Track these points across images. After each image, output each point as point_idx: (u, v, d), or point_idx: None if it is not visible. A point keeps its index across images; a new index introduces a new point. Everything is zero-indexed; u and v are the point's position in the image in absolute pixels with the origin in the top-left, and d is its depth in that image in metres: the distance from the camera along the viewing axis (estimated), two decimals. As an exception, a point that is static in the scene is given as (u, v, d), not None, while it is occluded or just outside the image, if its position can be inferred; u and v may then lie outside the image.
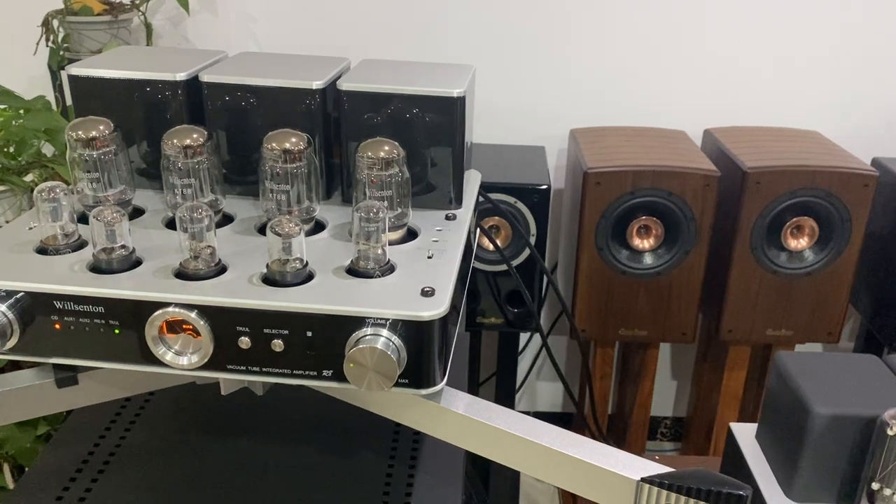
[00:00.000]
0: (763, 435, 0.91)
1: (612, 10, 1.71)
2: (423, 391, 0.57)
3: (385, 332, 0.55)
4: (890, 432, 0.74)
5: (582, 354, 1.83)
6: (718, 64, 1.75)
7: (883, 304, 1.66)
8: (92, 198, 0.68)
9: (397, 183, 0.64)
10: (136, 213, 0.72)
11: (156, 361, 0.58)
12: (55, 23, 1.52)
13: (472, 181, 0.82)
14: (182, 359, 0.58)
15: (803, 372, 0.84)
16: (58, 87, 1.53)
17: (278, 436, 0.78)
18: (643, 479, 0.54)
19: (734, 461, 0.93)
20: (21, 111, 1.25)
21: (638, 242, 1.57)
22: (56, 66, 1.51)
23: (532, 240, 1.57)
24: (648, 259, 1.58)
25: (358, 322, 0.56)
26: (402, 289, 0.58)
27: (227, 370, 0.59)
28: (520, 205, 1.55)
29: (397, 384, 0.56)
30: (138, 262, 0.62)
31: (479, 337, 1.81)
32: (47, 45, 1.53)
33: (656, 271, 1.58)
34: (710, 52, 1.74)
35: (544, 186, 1.54)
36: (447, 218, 0.70)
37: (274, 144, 0.65)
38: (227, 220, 0.71)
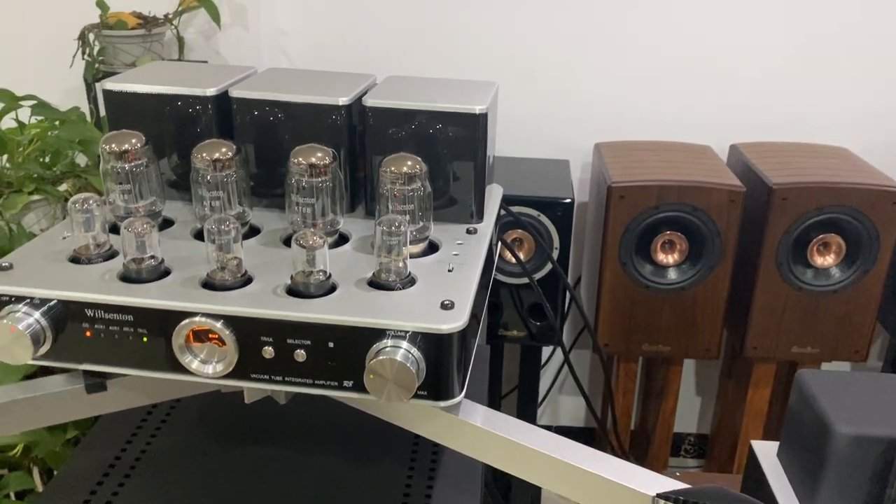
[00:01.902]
0: (785, 453, 0.90)
1: (639, 24, 1.72)
2: (442, 403, 0.58)
3: (405, 343, 0.56)
4: (913, 454, 0.73)
5: (605, 370, 1.82)
6: (746, 79, 1.75)
7: (912, 323, 1.63)
8: (123, 209, 0.70)
9: (419, 197, 0.65)
10: (166, 224, 0.74)
11: (182, 369, 0.60)
12: (91, 36, 1.56)
13: (494, 195, 0.83)
14: (207, 367, 0.60)
15: (826, 390, 0.84)
16: (92, 99, 1.57)
17: (299, 445, 0.79)
18: (658, 496, 0.54)
19: (755, 479, 0.92)
20: (56, 122, 1.28)
21: (662, 257, 1.57)
22: (91, 79, 1.55)
23: (555, 253, 1.58)
24: (673, 274, 1.58)
25: (378, 334, 0.57)
26: (423, 301, 0.59)
27: (250, 379, 0.60)
28: (543, 218, 1.55)
29: (416, 396, 0.57)
30: (167, 273, 0.64)
31: (502, 350, 1.81)
32: (83, 59, 1.57)
33: (680, 287, 1.57)
34: (736, 67, 1.74)
35: (568, 200, 1.54)
36: (468, 232, 0.71)
37: (300, 159, 0.66)
38: (253, 231, 0.73)
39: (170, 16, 1.64)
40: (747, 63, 1.74)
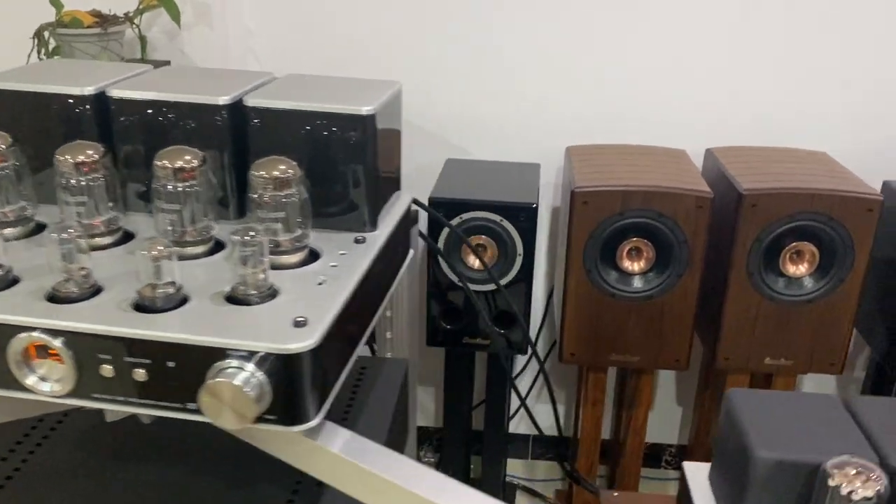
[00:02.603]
0: (714, 476, 0.85)
1: (619, 27, 1.67)
2: (295, 428, 0.54)
3: (249, 365, 0.52)
4: (831, 483, 0.68)
5: (579, 379, 1.77)
6: (728, 81, 1.69)
7: (889, 337, 1.57)
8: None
9: (294, 203, 0.61)
10: (38, 229, 0.70)
11: (20, 387, 0.56)
12: (46, 34, 1.54)
13: (400, 203, 0.78)
14: (45, 385, 0.56)
15: (752, 412, 0.79)
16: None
17: (170, 466, 0.75)
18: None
19: (686, 502, 0.87)
20: None
21: (628, 265, 1.52)
22: (46, 78, 1.52)
23: (519, 260, 1.53)
24: (639, 282, 1.52)
25: (219, 354, 0.53)
26: (276, 318, 0.55)
27: (91, 399, 0.56)
28: (506, 223, 1.51)
29: (264, 420, 0.53)
30: (14, 282, 0.60)
31: (473, 358, 1.76)
32: (39, 57, 1.55)
33: (648, 295, 1.52)
34: (719, 70, 1.68)
35: (532, 205, 1.49)
36: (356, 241, 0.67)
37: (166, 162, 0.62)
38: (126, 238, 0.69)
39: (130, 14, 1.61)
40: (729, 65, 1.68)
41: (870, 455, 0.72)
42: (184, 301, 0.58)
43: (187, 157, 0.62)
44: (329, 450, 0.55)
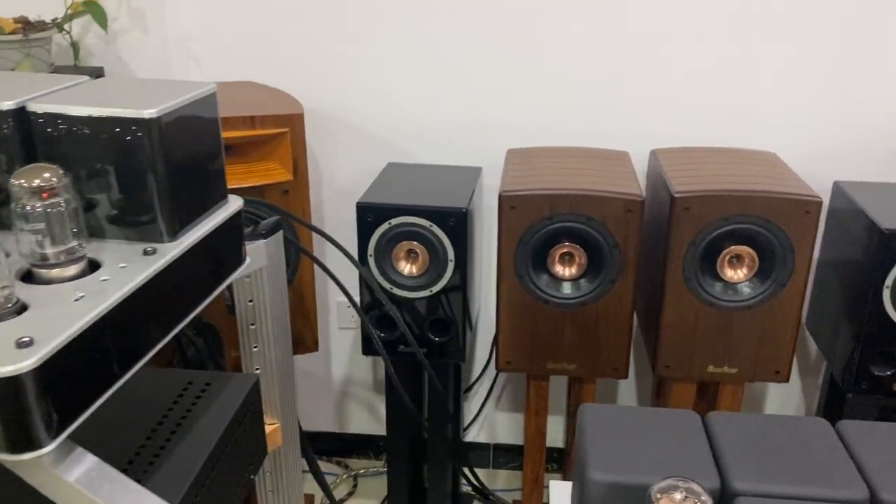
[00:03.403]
0: (573, 494, 0.81)
1: (566, 28, 1.63)
2: (24, 456, 0.51)
3: (-33, 387, 0.49)
4: (656, 507, 0.63)
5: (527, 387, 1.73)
6: (678, 82, 1.64)
7: (837, 344, 1.51)
8: None
9: (60, 214, 0.58)
10: None
11: None
12: (-30, 42, 1.53)
13: (223, 211, 0.75)
14: None
15: (600, 429, 0.74)
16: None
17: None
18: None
19: (553, 522, 0.83)
20: None
21: (560, 270, 1.47)
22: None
23: (450, 265, 1.49)
24: (569, 288, 1.48)
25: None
26: (4, 337, 0.52)
27: None
28: (435, 229, 1.47)
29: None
30: None
31: (418, 368, 1.72)
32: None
33: (581, 301, 1.48)
34: (671, 71, 1.63)
35: (462, 209, 1.46)
36: (145, 253, 0.64)
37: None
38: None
39: (58, 20, 1.59)
40: (680, 67, 1.63)
41: (712, 477, 0.68)
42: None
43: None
44: (64, 479, 0.52)
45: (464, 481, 1.94)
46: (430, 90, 1.71)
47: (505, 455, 2.08)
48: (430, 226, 1.47)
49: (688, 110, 1.66)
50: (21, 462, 0.51)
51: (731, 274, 1.44)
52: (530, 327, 1.51)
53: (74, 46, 1.65)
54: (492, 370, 1.92)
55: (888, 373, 1.42)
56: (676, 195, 1.39)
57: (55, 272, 0.58)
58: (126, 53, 1.73)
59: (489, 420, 2.05)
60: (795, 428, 0.72)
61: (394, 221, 1.47)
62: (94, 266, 0.62)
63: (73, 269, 0.60)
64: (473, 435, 2.07)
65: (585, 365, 1.53)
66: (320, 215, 1.81)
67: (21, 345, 0.50)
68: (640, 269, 1.46)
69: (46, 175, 0.57)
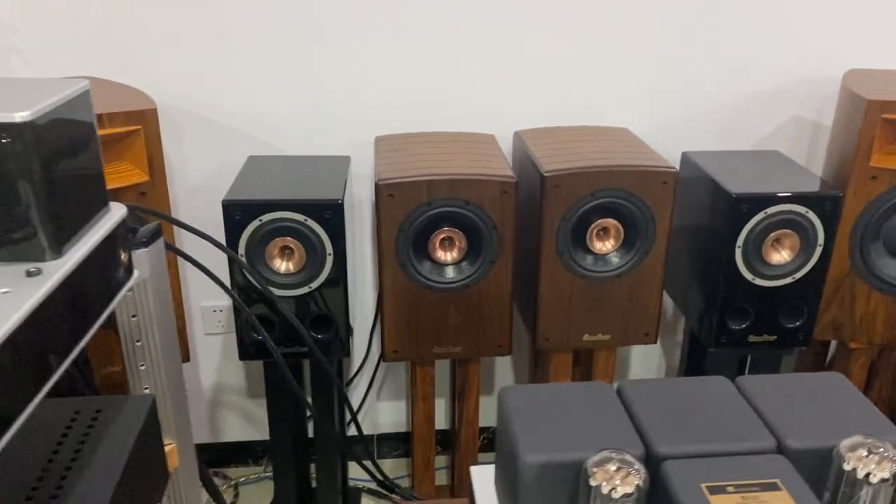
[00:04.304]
0: (497, 478, 0.82)
1: (422, 15, 1.62)
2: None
3: None
4: (592, 482, 0.65)
5: (407, 374, 1.73)
6: (530, 64, 1.68)
7: (696, 302, 1.62)
8: None
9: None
10: None
11: None
12: None
13: (107, 220, 0.69)
14: None
15: (523, 411, 0.75)
16: None
17: None
18: None
19: (477, 507, 0.84)
20: None
21: (441, 255, 1.48)
22: None
23: (329, 259, 1.46)
24: (454, 272, 1.49)
25: None
26: None
27: None
28: (311, 222, 1.42)
29: None
30: None
31: (299, 365, 1.67)
32: None
33: (463, 284, 1.49)
34: (521, 53, 1.67)
35: (337, 201, 1.42)
36: (28, 274, 0.57)
37: None
38: None
39: None
40: (531, 49, 1.67)
41: (636, 445, 0.71)
42: None
43: None
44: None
45: (352, 476, 1.92)
46: (288, 78, 1.65)
47: (388, 444, 2.08)
48: (305, 220, 1.43)
49: (545, 92, 1.71)
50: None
51: (599, 246, 1.51)
52: (415, 314, 1.51)
53: None
54: (369, 361, 1.91)
55: (743, 325, 1.55)
56: (546, 174, 1.43)
57: None
58: (-62, 50, 1.54)
59: (371, 411, 2.04)
60: (701, 388, 0.77)
61: (265, 218, 1.41)
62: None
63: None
64: (354, 428, 2.05)
65: (471, 346, 1.55)
66: (180, 216, 1.71)
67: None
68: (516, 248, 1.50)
69: None
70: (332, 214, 1.43)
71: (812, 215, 1.46)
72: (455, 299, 1.51)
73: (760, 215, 1.46)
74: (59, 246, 0.59)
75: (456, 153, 1.54)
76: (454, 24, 1.63)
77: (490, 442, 2.06)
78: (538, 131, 1.67)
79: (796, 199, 1.46)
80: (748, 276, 1.51)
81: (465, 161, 1.49)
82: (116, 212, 0.68)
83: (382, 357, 1.56)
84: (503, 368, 2.01)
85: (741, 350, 1.61)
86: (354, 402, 1.98)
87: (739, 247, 1.48)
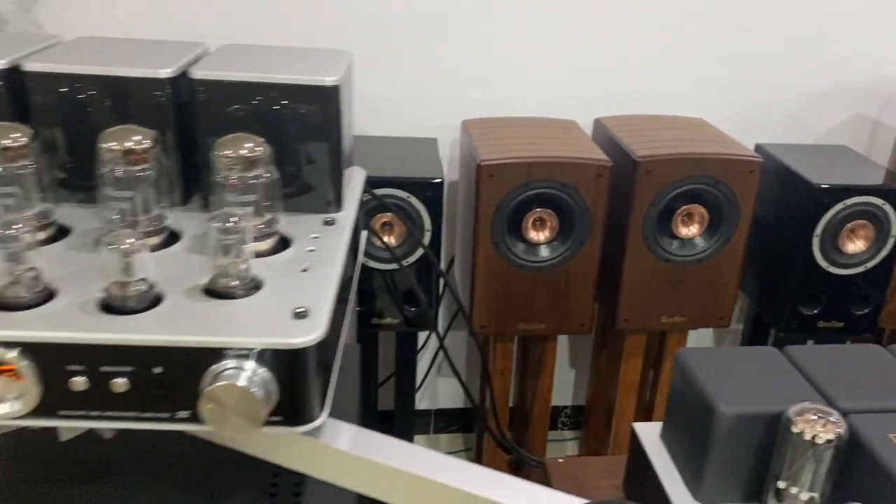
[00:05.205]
0: (668, 435, 0.88)
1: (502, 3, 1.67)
2: (301, 428, 0.50)
3: (249, 364, 0.47)
4: (794, 429, 0.72)
5: (481, 353, 1.78)
6: (606, 53, 1.74)
7: (769, 288, 1.69)
8: None
9: (263, 185, 0.56)
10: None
11: (-34, 412, 0.48)
12: None
13: (356, 179, 0.74)
14: (1, 406, 0.48)
15: (706, 369, 0.81)
16: None
17: (136, 483, 0.67)
18: (553, 516, 0.48)
19: (640, 462, 0.90)
20: None
21: (533, 235, 1.54)
22: None
23: (427, 236, 1.51)
24: (544, 252, 1.55)
25: (216, 354, 0.47)
26: (271, 311, 0.50)
27: (58, 417, 0.49)
28: (413, 200, 1.48)
29: (268, 422, 0.48)
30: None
31: (377, 338, 1.73)
32: None
33: (552, 264, 1.55)
34: (597, 41, 1.73)
35: (437, 180, 1.48)
36: (326, 223, 0.62)
37: (113, 144, 0.55)
38: (62, 233, 0.61)
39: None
40: (608, 38, 1.73)
41: (819, 400, 0.77)
42: (158, 299, 0.52)
43: (137, 138, 0.55)
44: (338, 448, 0.51)
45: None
46: (373, 62, 1.69)
47: (443, 419, 2.14)
48: (408, 197, 1.48)
49: (620, 81, 1.77)
50: (290, 436, 0.49)
51: (684, 231, 1.57)
52: (504, 292, 1.57)
53: (-10, 12, 1.48)
54: (434, 338, 1.96)
55: (814, 311, 1.62)
56: (639, 159, 1.49)
57: (254, 246, 0.56)
58: (47, 20, 1.57)
59: (431, 386, 2.10)
60: (848, 353, 0.84)
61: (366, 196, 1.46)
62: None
63: (269, 243, 0.58)
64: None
65: (554, 323, 1.61)
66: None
67: (299, 315, 0.49)
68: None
69: (249, 145, 0.55)
70: (432, 193, 1.48)
71: (888, 207, 1.54)
72: (543, 278, 1.56)
73: (839, 206, 1.53)
74: (340, 199, 0.64)
75: (548, 137, 1.59)
76: (531, 13, 1.69)
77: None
78: (620, 118, 1.73)
79: (874, 191, 1.53)
80: (823, 264, 1.58)
81: (559, 145, 1.55)
82: (359, 172, 0.74)
83: (469, 331, 1.62)
84: (560, 348, 2.07)
85: (808, 335, 1.68)
86: (416, 377, 2.03)
87: (817, 236, 1.55)
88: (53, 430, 0.55)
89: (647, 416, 1.85)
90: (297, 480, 0.67)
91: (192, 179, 0.66)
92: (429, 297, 1.56)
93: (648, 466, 0.87)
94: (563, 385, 2.14)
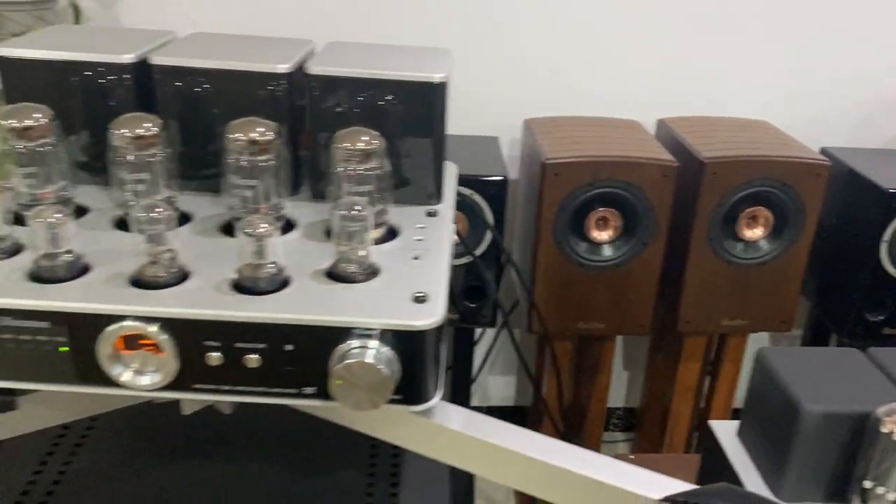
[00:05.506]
0: (746, 433, 0.88)
1: (565, 5, 1.68)
2: (418, 407, 0.52)
3: (374, 343, 0.49)
4: (883, 429, 0.72)
5: (539, 350, 1.80)
6: (669, 53, 1.74)
7: (832, 293, 1.68)
8: (28, 196, 0.60)
9: (377, 177, 0.58)
10: (80, 212, 0.64)
11: (110, 382, 0.51)
12: (-28, 3, 1.39)
13: (451, 174, 0.77)
14: (142, 378, 0.51)
15: (789, 368, 0.82)
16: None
17: (245, 457, 0.71)
18: (665, 499, 0.50)
19: (716, 460, 0.90)
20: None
21: (596, 234, 1.55)
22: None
23: (489, 233, 1.53)
24: (607, 251, 1.56)
25: (344, 333, 0.50)
26: (391, 294, 0.53)
27: (193, 390, 0.52)
28: (477, 197, 1.50)
29: (388, 401, 0.50)
30: (86, 269, 0.55)
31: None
32: (-37, 28, 1.40)
33: (615, 264, 1.56)
34: (660, 42, 1.73)
35: (501, 178, 1.49)
36: (429, 214, 0.65)
37: (240, 134, 0.58)
38: (184, 219, 0.64)
39: (61, -19, 1.48)
40: (671, 39, 1.73)
41: (903, 401, 0.77)
42: (286, 282, 0.55)
43: (262, 129, 0.58)
44: (452, 428, 0.53)
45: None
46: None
47: (494, 416, 2.15)
48: (472, 194, 1.50)
49: (681, 80, 1.77)
50: (405, 415, 0.52)
51: (748, 234, 1.57)
52: (565, 290, 1.58)
53: (75, 9, 1.54)
54: (487, 335, 1.98)
55: (880, 318, 1.60)
56: (706, 161, 1.49)
57: (370, 235, 0.59)
58: (125, 16, 1.63)
59: (481, 383, 2.11)
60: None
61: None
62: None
63: (380, 232, 0.60)
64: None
65: (614, 323, 1.62)
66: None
67: (418, 300, 0.51)
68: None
69: (366, 138, 0.57)
70: (495, 190, 1.50)
71: (959, 214, 1.51)
72: (605, 278, 1.57)
73: (909, 211, 1.51)
74: (440, 192, 0.67)
75: (612, 136, 1.60)
76: (591, 13, 1.69)
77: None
78: (683, 119, 1.73)
79: (944, 197, 1.50)
80: (891, 269, 1.56)
81: (623, 144, 1.55)
82: (452, 168, 0.76)
83: (528, 329, 1.64)
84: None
85: (872, 342, 1.66)
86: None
87: (885, 241, 1.53)
88: (176, 404, 0.58)
89: (702, 420, 1.84)
90: (395, 461, 0.70)
91: (300, 170, 0.69)
92: (496, 291, 1.57)
93: (727, 465, 0.87)
94: (616, 386, 2.13)
